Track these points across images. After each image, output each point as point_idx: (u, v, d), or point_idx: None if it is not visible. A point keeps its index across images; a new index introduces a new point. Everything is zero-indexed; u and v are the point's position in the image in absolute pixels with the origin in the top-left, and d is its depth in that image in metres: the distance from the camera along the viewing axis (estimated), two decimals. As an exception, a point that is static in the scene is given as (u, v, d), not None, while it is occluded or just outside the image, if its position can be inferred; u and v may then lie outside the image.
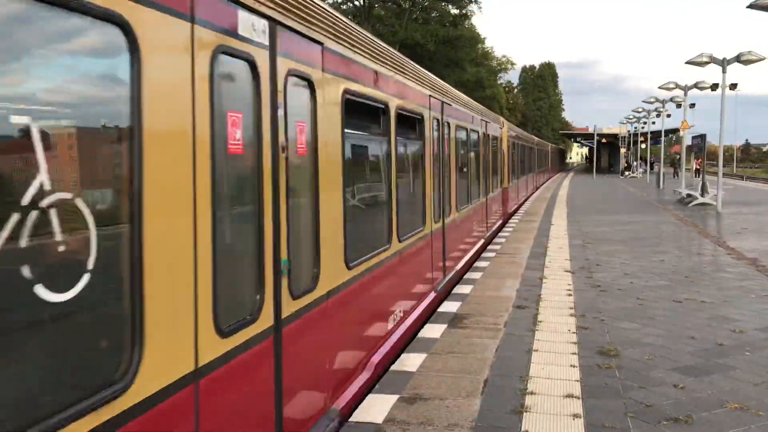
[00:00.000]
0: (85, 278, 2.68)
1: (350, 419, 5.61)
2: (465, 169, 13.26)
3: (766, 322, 8.85)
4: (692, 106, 37.55)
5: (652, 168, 62.11)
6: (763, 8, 19.90)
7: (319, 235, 5.14)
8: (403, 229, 7.76)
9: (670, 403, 6.01)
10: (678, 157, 51.40)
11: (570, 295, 10.47)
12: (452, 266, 11.39)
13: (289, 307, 4.51)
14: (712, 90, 30.93)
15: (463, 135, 12.98)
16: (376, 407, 5.82)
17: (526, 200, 31.82)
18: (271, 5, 4.26)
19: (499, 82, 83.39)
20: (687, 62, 27.00)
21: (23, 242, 2.39)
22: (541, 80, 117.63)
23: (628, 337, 8.09)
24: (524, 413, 5.74)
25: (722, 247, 16.06)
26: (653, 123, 54.80)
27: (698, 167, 41.50)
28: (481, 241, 15.38)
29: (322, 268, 5.16)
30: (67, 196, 2.62)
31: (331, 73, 5.44)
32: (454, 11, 61.71)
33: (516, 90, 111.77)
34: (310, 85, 5.02)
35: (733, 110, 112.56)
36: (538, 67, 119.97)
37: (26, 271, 2.41)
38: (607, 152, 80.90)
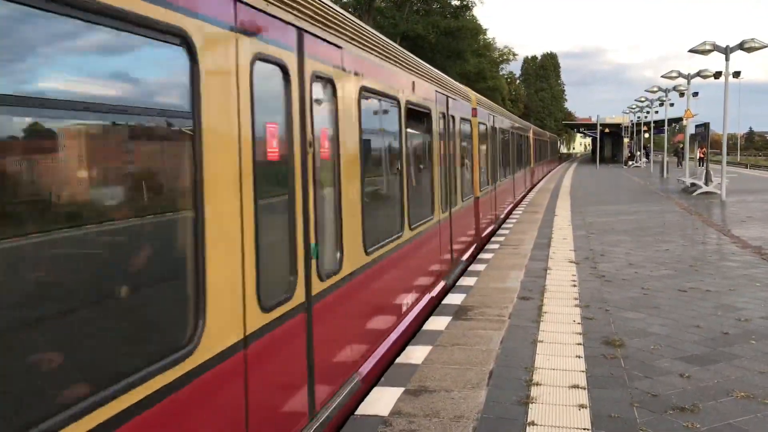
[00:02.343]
0: None
1: (356, 412, 5.62)
2: None
3: (772, 310, 8.83)
4: (695, 94, 37.26)
5: (647, 157, 61.98)
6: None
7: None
8: None
9: (676, 392, 6.00)
10: (681, 146, 51.17)
11: (574, 285, 10.46)
12: None
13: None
14: (716, 78, 30.65)
15: None
16: (382, 400, 5.83)
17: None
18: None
19: (501, 73, 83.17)
20: (690, 50, 26.80)
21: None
22: (543, 71, 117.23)
23: (633, 327, 8.08)
24: (530, 404, 5.75)
25: (727, 235, 16.01)
26: (656, 112, 54.62)
27: (702, 156, 41.29)
28: None
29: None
30: None
31: None
32: (455, 2, 61.49)
33: (518, 81, 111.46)
34: None
35: (737, 98, 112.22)
36: (540, 57, 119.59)
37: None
38: (610, 142, 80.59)
